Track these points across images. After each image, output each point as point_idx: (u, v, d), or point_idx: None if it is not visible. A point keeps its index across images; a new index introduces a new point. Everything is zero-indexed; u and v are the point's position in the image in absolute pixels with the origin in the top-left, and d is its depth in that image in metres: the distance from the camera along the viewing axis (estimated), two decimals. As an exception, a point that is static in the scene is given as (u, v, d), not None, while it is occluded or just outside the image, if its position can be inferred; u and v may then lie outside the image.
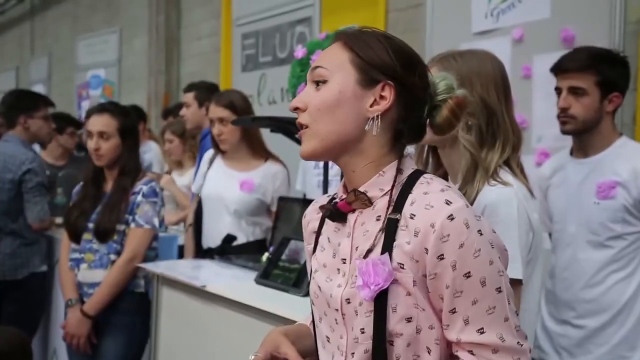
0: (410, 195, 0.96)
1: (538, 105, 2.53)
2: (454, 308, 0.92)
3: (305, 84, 1.81)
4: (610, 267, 1.75)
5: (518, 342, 0.93)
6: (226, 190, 2.48)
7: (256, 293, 1.83)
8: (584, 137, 1.83)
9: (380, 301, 0.93)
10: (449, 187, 0.97)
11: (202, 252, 2.57)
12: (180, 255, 2.98)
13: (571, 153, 1.92)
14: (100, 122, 2.25)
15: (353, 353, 0.98)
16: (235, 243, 2.45)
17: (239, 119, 1.96)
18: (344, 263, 1.00)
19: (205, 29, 5.83)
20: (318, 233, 1.10)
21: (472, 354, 0.93)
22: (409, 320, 0.93)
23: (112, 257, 2.22)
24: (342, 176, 1.09)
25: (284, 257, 1.93)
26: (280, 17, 3.73)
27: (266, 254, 2.02)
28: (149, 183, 2.30)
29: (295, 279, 1.83)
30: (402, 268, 0.92)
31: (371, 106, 0.97)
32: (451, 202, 0.92)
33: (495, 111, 1.25)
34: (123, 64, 6.76)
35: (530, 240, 1.20)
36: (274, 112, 3.74)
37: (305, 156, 1.01)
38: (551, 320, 1.88)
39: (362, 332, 0.96)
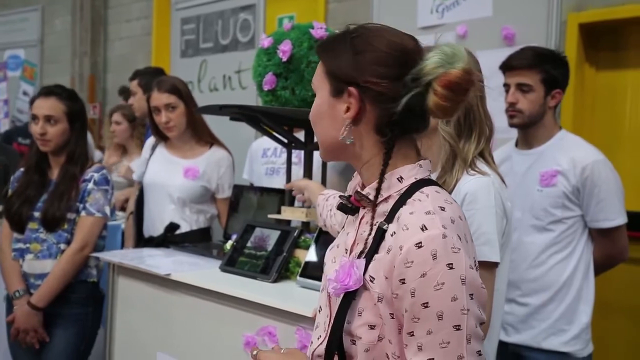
0: (401, 208, 0.95)
1: (480, 98, 2.70)
2: (412, 331, 0.91)
3: (274, 73, 1.88)
4: (551, 249, 1.92)
5: None
6: (170, 177, 2.46)
7: (223, 280, 1.86)
8: (529, 130, 1.99)
9: (346, 300, 0.97)
10: (442, 208, 0.93)
11: (143, 241, 2.55)
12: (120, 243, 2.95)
13: (516, 145, 2.08)
14: (46, 106, 2.18)
15: (320, 336, 1.06)
16: (178, 231, 2.46)
17: (204, 107, 1.97)
18: (346, 253, 1.06)
19: (136, 10, 5.68)
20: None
21: None
22: (372, 327, 0.95)
23: (62, 246, 2.18)
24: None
25: (249, 244, 1.97)
26: (223, 3, 3.71)
27: (230, 242, 2.05)
28: (100, 170, 2.27)
29: (263, 266, 1.88)
30: (372, 281, 0.94)
31: (345, 113, 0.98)
32: (427, 229, 0.90)
33: (472, 104, 1.35)
34: (45, 44, 6.47)
35: (504, 225, 1.31)
36: (216, 99, 3.73)
37: (322, 159, 1.12)
38: (498, 299, 2.03)
39: (330, 320, 1.03)
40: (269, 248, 1.92)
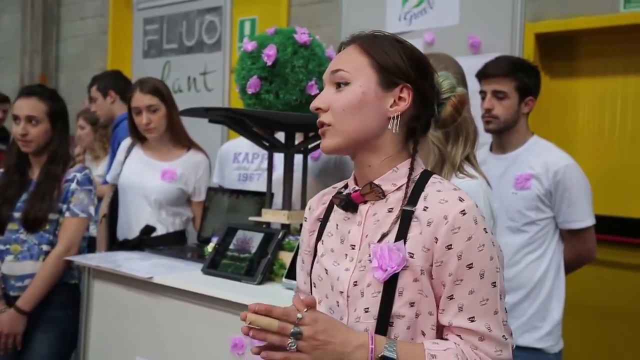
0: (423, 192, 1.06)
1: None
2: (452, 295, 1.01)
3: (258, 77, 1.89)
4: (525, 249, 2.01)
5: (503, 336, 1.02)
6: (147, 179, 2.44)
7: (206, 283, 1.85)
8: (504, 135, 2.07)
9: (390, 284, 1.02)
10: (459, 188, 1.08)
11: (117, 244, 2.52)
12: (91, 247, 2.89)
13: (490, 149, 2.16)
14: (28, 106, 2.14)
15: None
16: (154, 234, 2.45)
17: (189, 110, 1.96)
18: (353, 249, 1.09)
19: (90, 8, 5.56)
20: (324, 220, 1.19)
21: (461, 338, 1.02)
22: (412, 304, 1.02)
23: (45, 247, 2.13)
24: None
25: (232, 246, 1.97)
26: (188, 4, 3.68)
27: (211, 244, 2.04)
28: (82, 170, 2.23)
29: (247, 268, 1.89)
30: (412, 257, 1.02)
31: (391, 106, 1.07)
32: (463, 200, 1.02)
33: None
34: (-8, 41, 6.25)
35: (491, 226, 1.37)
36: (180, 100, 3.67)
37: (327, 151, 1.10)
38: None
39: (366, 311, 1.04)
40: (253, 250, 1.92)
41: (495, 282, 1.01)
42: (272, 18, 4.61)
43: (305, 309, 1.01)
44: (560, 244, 2.05)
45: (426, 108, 1.10)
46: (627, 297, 3.13)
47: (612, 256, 3.11)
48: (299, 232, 2.05)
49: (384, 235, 1.05)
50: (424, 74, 1.09)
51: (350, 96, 1.06)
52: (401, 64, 1.06)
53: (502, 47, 2.56)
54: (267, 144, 2.08)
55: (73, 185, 2.18)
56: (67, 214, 2.17)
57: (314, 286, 1.17)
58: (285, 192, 2.06)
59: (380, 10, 2.98)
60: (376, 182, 1.09)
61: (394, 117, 1.07)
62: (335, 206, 1.17)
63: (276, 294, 1.76)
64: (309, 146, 2.07)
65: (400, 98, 1.07)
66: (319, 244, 1.18)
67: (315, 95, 1.93)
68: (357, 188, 1.13)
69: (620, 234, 3.13)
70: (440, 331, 1.05)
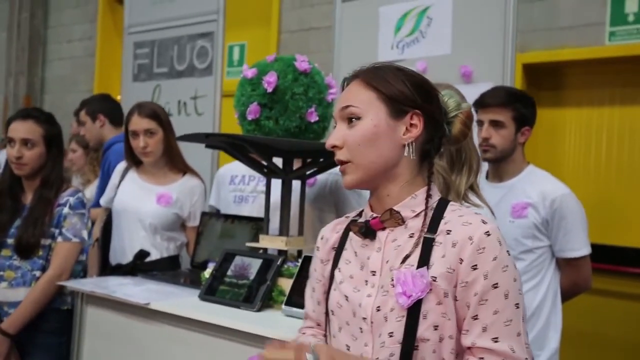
0: (443, 219, 1.08)
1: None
2: (477, 315, 1.02)
3: (258, 104, 1.90)
4: (522, 277, 2.01)
5: (526, 358, 1.02)
6: (142, 203, 2.42)
7: (204, 309, 1.83)
8: (500, 164, 2.10)
9: (414, 308, 1.03)
10: (479, 213, 1.11)
11: (109, 269, 2.48)
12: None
13: (486, 177, 2.18)
14: (23, 129, 2.12)
15: (377, 358, 1.07)
16: (147, 259, 2.42)
17: (190, 135, 1.95)
18: (374, 275, 1.10)
19: (78, 31, 5.56)
20: (340, 248, 1.20)
21: None
22: (435, 327, 1.03)
23: (37, 273, 2.10)
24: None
25: (229, 272, 1.96)
26: (180, 29, 3.69)
27: (208, 270, 2.02)
28: (75, 194, 2.20)
29: (246, 294, 1.87)
30: (435, 281, 1.03)
31: (404, 134, 1.10)
32: (486, 222, 1.05)
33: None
34: (-24, 61, 6.19)
35: None
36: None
37: (350, 187, 1.12)
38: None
39: (391, 336, 1.05)
40: (251, 277, 1.91)
41: (518, 304, 1.03)
42: (261, 44, 4.65)
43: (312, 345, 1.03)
44: (557, 272, 2.07)
45: (437, 130, 1.14)
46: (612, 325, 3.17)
47: (597, 284, 3.16)
48: (296, 258, 2.04)
49: (406, 257, 1.07)
50: (430, 97, 1.12)
51: (363, 130, 1.09)
52: (407, 92, 1.10)
53: (493, 77, 2.61)
54: (265, 170, 2.08)
55: (65, 210, 2.16)
56: (59, 239, 2.14)
57: (332, 314, 1.17)
58: (283, 218, 2.05)
59: (372, 38, 3.02)
60: (396, 208, 1.11)
61: (408, 144, 1.10)
62: (350, 234, 1.18)
63: (276, 321, 1.75)
64: (307, 172, 2.08)
65: (411, 125, 1.10)
66: (336, 271, 1.18)
67: (316, 122, 1.95)
68: (374, 215, 1.14)
69: (605, 261, 3.17)
70: (460, 357, 1.06)
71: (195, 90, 3.62)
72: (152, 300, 1.88)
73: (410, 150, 1.10)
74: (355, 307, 1.11)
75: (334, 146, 1.12)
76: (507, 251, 1.05)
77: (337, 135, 1.12)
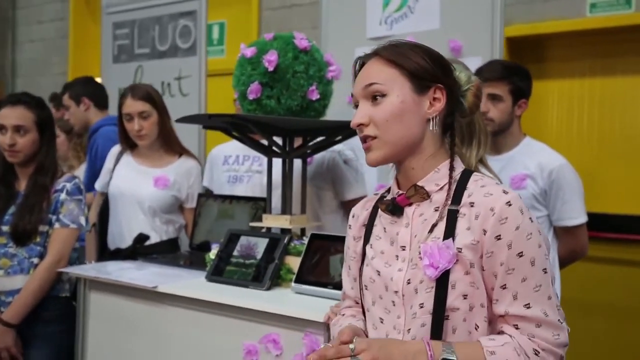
0: (466, 190, 1.10)
1: (429, 106, 2.83)
2: (505, 284, 1.04)
3: (259, 83, 1.88)
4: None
5: (559, 320, 1.05)
6: (139, 187, 2.41)
7: (214, 290, 1.83)
8: (499, 137, 2.13)
9: (442, 279, 1.05)
10: (501, 182, 1.14)
11: (108, 254, 2.47)
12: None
13: (484, 150, 2.22)
14: (15, 115, 2.07)
15: (409, 329, 1.10)
16: (147, 242, 2.41)
17: (190, 117, 1.93)
18: (404, 250, 1.13)
19: (49, 12, 5.41)
20: (370, 225, 1.22)
21: (517, 328, 1.04)
22: (465, 297, 1.06)
23: (35, 260, 2.07)
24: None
25: (236, 253, 1.96)
26: (160, 8, 3.62)
27: (213, 251, 2.02)
28: (72, 180, 2.17)
29: (255, 274, 1.88)
30: (461, 252, 1.06)
31: (428, 108, 1.12)
32: (507, 192, 1.07)
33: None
34: (-58, 46, 5.98)
35: None
36: (154, 106, 3.62)
37: (375, 163, 1.13)
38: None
39: (421, 307, 1.07)
40: (258, 256, 1.92)
41: (545, 269, 1.05)
42: (241, 22, 4.60)
43: (353, 339, 1.05)
44: (555, 241, 2.13)
45: (456, 103, 1.17)
46: (596, 290, 3.28)
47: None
48: (299, 237, 2.05)
49: (432, 230, 1.10)
50: (448, 71, 1.15)
51: (390, 107, 1.10)
52: (428, 67, 1.12)
53: (482, 51, 2.63)
54: (266, 150, 2.08)
55: (62, 196, 2.13)
56: (56, 225, 2.11)
57: (366, 289, 1.20)
58: (285, 196, 2.06)
59: (360, 14, 3.01)
60: (420, 183, 1.13)
61: (433, 118, 1.12)
62: (380, 211, 1.20)
63: (286, 299, 1.77)
64: (308, 151, 2.08)
65: (434, 99, 1.13)
66: (367, 247, 1.21)
67: (317, 100, 1.95)
68: (400, 192, 1.16)
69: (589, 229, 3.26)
70: (494, 323, 1.09)
71: (179, 70, 3.57)
72: (159, 284, 1.88)
73: (434, 123, 1.12)
74: (387, 281, 1.13)
75: (360, 124, 1.13)
76: (530, 218, 1.06)
77: (362, 113, 1.13)
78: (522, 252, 1.04)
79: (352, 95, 1.18)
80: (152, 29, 3.68)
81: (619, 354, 3.20)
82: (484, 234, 1.05)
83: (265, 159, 2.50)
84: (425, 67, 1.11)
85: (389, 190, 1.23)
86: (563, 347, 1.05)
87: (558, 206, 2.05)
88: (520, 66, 2.20)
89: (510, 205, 1.05)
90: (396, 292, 1.12)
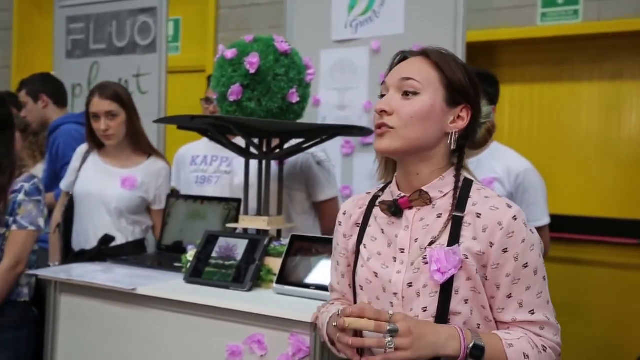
0: (470, 198, 1.15)
1: (393, 109, 2.89)
2: (511, 293, 1.11)
3: (241, 85, 1.89)
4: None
5: (555, 321, 1.15)
6: (106, 187, 2.37)
7: (194, 292, 1.82)
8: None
9: (447, 284, 1.10)
10: (502, 195, 1.19)
11: (72, 255, 2.42)
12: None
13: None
14: None
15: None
16: (113, 244, 2.37)
17: (172, 118, 1.92)
18: (402, 252, 1.17)
19: (-11, 2, 5.17)
20: (364, 225, 1.25)
21: (523, 329, 1.13)
22: (466, 301, 1.11)
23: None
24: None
25: (214, 254, 1.96)
26: (118, 3, 3.54)
27: (190, 252, 2.01)
28: (30, 180, 2.11)
29: (235, 275, 1.89)
30: (467, 258, 1.11)
31: (451, 123, 1.16)
32: (511, 206, 1.13)
33: None
34: None
35: None
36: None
37: (384, 151, 1.16)
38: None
39: (425, 311, 1.12)
40: (238, 257, 1.93)
41: (544, 276, 1.14)
42: (197, 19, 4.55)
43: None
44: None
45: (475, 128, 1.21)
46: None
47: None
48: (276, 238, 2.07)
49: (434, 239, 1.13)
50: (478, 97, 1.19)
51: (420, 105, 1.13)
52: (465, 84, 1.16)
53: (445, 57, 2.72)
54: (243, 151, 2.08)
55: (20, 196, 2.06)
56: (14, 227, 2.04)
57: (361, 289, 1.23)
58: (264, 198, 2.07)
59: (325, 17, 3.04)
60: (424, 189, 1.17)
61: (452, 133, 1.16)
62: (374, 211, 1.25)
63: (268, 299, 1.78)
64: (285, 153, 2.10)
65: (459, 117, 1.16)
66: (361, 247, 1.24)
67: (297, 103, 1.97)
68: (402, 194, 1.19)
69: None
70: (493, 322, 1.15)
71: (137, 67, 3.51)
72: (137, 286, 1.86)
73: (452, 139, 1.16)
74: (386, 283, 1.17)
75: (382, 111, 1.15)
76: (531, 230, 1.13)
77: (388, 101, 1.16)
78: (527, 263, 1.11)
79: (382, 83, 1.21)
80: (109, 25, 3.60)
81: (576, 351, 3.37)
82: (491, 247, 1.10)
83: (233, 160, 2.52)
84: (462, 83, 1.16)
85: (382, 190, 1.27)
86: (560, 345, 1.15)
87: (523, 208, 2.10)
88: (488, 72, 2.29)
89: (516, 219, 1.11)
90: (395, 294, 1.15)
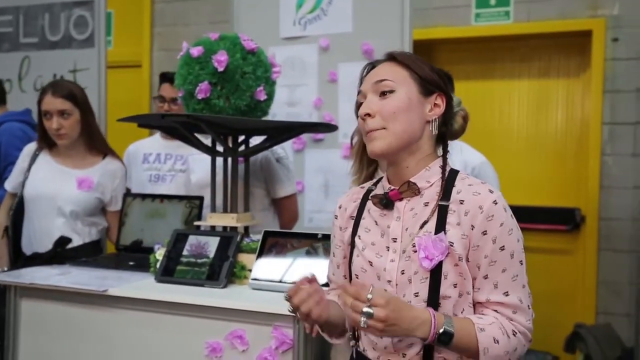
0: (454, 187, 1.22)
1: (343, 106, 2.95)
2: (487, 274, 1.17)
3: (209, 82, 1.89)
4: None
5: (528, 306, 1.20)
6: (61, 188, 2.30)
7: (167, 290, 1.81)
8: (425, 136, 2.31)
9: (436, 270, 1.17)
10: (485, 182, 1.26)
11: (23, 259, 2.32)
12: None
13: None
14: None
15: None
16: (69, 246, 2.30)
17: (143, 116, 1.88)
18: (395, 241, 1.23)
19: None
20: (358, 217, 1.31)
21: (497, 312, 1.17)
22: (455, 286, 1.18)
23: None
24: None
25: (185, 252, 1.95)
26: (50, -5, 3.40)
27: (159, 252, 1.99)
28: None
29: (209, 272, 1.88)
30: (452, 245, 1.17)
31: (430, 111, 1.25)
32: (493, 192, 1.19)
33: None
34: None
35: None
36: (45, 99, 3.38)
37: (378, 153, 1.23)
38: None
39: (416, 296, 1.18)
40: (211, 254, 1.93)
41: (522, 260, 1.19)
42: (131, 13, 4.42)
43: (371, 289, 1.10)
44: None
45: (451, 115, 1.31)
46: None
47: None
48: (246, 234, 2.08)
49: (424, 224, 1.20)
50: (447, 85, 1.29)
51: (398, 101, 1.22)
52: (434, 76, 1.26)
53: (392, 54, 2.81)
54: (209, 149, 2.08)
55: None
56: None
57: (357, 277, 1.28)
58: (231, 195, 2.08)
59: (273, 14, 3.06)
60: (412, 180, 1.24)
61: (433, 120, 1.25)
62: (368, 204, 1.31)
63: (244, 295, 1.80)
64: (252, 150, 2.11)
65: (435, 104, 1.26)
66: (356, 238, 1.30)
67: (264, 101, 2.00)
68: (392, 187, 1.27)
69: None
70: (474, 308, 1.22)
71: (74, 63, 3.38)
72: (107, 287, 1.82)
73: (434, 125, 1.25)
74: (380, 271, 1.23)
75: (367, 114, 1.23)
76: (511, 215, 1.21)
77: (370, 105, 1.23)
78: (503, 246, 1.16)
79: (358, 92, 1.28)
80: (41, 18, 3.44)
81: (543, 336, 3.56)
82: (472, 229, 1.17)
83: (189, 158, 2.50)
84: (431, 75, 1.25)
85: (376, 184, 1.35)
86: (531, 331, 1.22)
87: (479, 199, 2.28)
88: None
89: (496, 204, 1.17)
90: (389, 281, 1.21)
